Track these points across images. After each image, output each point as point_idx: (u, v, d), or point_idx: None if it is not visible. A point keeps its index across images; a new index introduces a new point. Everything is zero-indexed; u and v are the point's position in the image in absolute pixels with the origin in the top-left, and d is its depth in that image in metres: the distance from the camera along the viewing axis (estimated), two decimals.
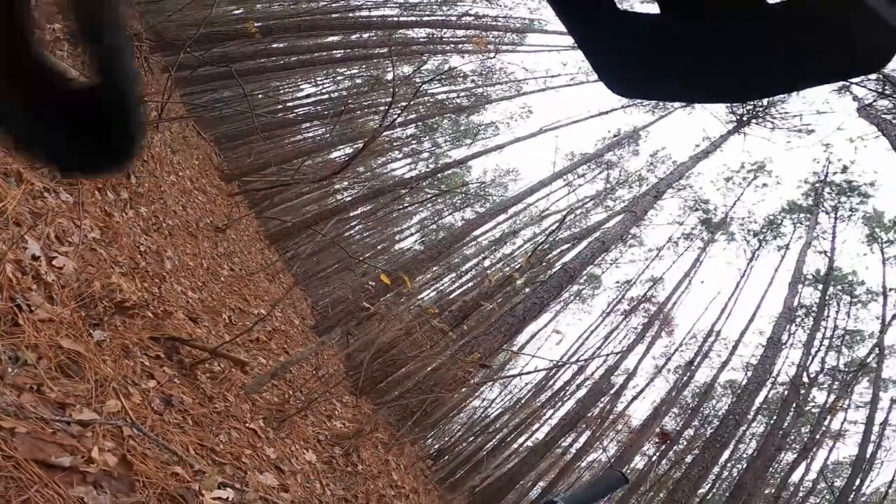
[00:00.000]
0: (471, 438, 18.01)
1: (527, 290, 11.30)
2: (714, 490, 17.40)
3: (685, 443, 18.63)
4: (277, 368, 3.68)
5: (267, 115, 16.50)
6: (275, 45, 12.98)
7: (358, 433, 4.10)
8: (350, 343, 8.47)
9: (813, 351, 13.44)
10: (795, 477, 13.71)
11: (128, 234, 3.65)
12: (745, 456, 18.09)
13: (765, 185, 19.13)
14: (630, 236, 20.58)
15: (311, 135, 19.39)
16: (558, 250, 14.91)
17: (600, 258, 19.63)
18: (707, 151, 15.86)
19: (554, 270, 10.50)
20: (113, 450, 1.60)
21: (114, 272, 2.96)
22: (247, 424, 3.08)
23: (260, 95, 17.02)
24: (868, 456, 11.61)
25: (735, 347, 17.73)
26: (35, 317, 1.93)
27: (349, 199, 16.69)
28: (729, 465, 18.03)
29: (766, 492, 12.91)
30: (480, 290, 10.86)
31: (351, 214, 17.70)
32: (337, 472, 3.62)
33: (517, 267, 9.85)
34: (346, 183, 20.66)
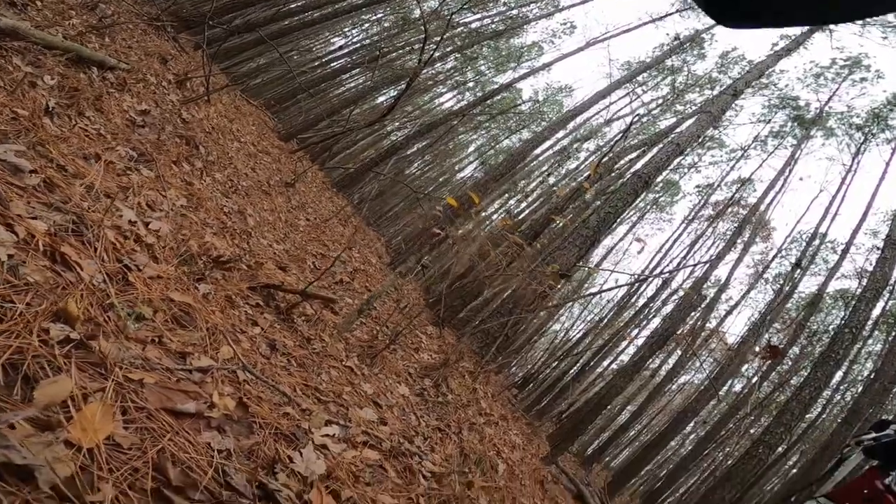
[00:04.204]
0: (554, 364, 18.22)
1: (597, 202, 10.87)
2: (824, 415, 16.64)
3: (790, 362, 17.68)
4: (363, 305, 3.83)
5: (306, 72, 16.69)
6: (293, 5, 12.82)
7: (444, 364, 4.24)
8: (426, 275, 8.67)
9: None
10: None
11: (210, 198, 3.89)
12: (860, 378, 16.91)
13: (863, 79, 16.81)
14: (707, 138, 19.00)
15: (353, 84, 19.42)
16: (628, 158, 14.07)
17: (676, 162, 18.38)
18: (788, 49, 14.06)
19: (626, 178, 9.95)
20: (231, 394, 1.72)
21: (206, 232, 3.15)
22: (343, 363, 3.26)
23: (295, 55, 17.20)
24: None
25: (845, 251, 15.96)
26: (143, 275, 2.06)
27: (403, 137, 16.61)
28: (842, 387, 17.03)
29: (884, 417, 12.18)
30: (549, 207, 10.58)
31: (408, 152, 17.75)
32: (429, 403, 3.78)
33: (585, 178, 9.41)
34: (397, 124, 20.62)
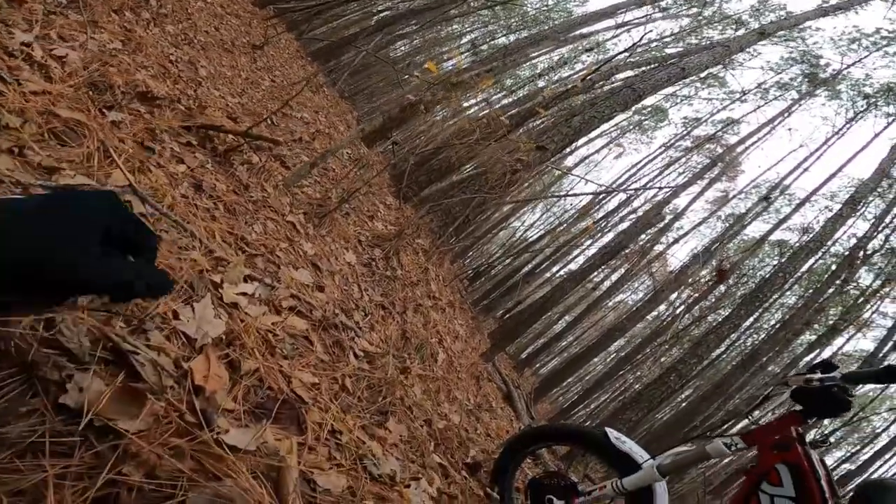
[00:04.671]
0: (507, 262, 18.42)
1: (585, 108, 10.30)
2: (724, 356, 17.63)
3: (713, 299, 18.51)
4: (317, 158, 3.34)
5: None
6: None
7: (399, 235, 3.89)
8: (395, 151, 8.10)
9: (881, 227, 12.34)
10: (808, 358, 13.50)
11: (154, 45, 3.31)
12: (765, 327, 17.89)
13: None
14: (711, 74, 18.22)
15: None
16: (627, 73, 13.29)
17: (673, 89, 17.73)
18: (838, 7, 13.03)
19: (620, 88, 9.35)
20: None
21: (139, 73, 2.57)
22: (285, 217, 2.84)
23: None
24: (881, 356, 11.16)
25: (800, 205, 16.40)
26: (23, 89, 1.61)
27: (391, 15, 14.94)
28: (746, 332, 18.02)
29: (773, 370, 12.94)
30: (535, 103, 9.95)
31: (395, 33, 16.11)
32: (376, 276, 3.47)
33: (578, 82, 8.82)
34: (388, 3, 18.56)
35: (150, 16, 3.66)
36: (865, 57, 16.43)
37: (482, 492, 2.13)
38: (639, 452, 1.92)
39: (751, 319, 12.28)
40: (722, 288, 18.27)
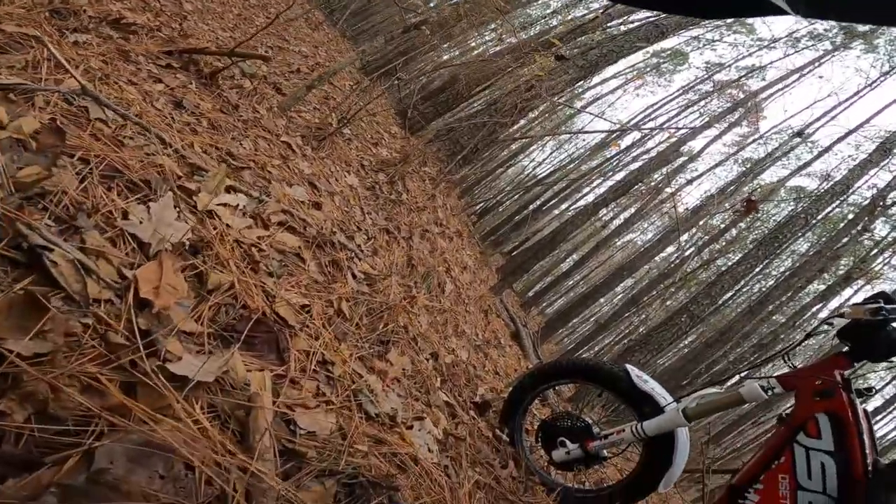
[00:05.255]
0: (515, 197, 18.04)
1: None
2: (731, 301, 17.42)
3: (724, 243, 18.19)
4: (314, 80, 3.03)
5: None
6: None
7: (405, 160, 3.62)
8: (399, 87, 7.63)
9: None
10: (815, 309, 13.24)
11: None
12: (774, 273, 17.61)
13: None
14: (739, 21, 17.01)
15: None
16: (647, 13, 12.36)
17: (702, 27, 16.68)
18: None
19: (641, 24, 8.69)
20: (45, 117, 1.05)
21: (113, 4, 2.24)
22: (279, 137, 2.58)
23: None
24: None
25: (823, 152, 15.73)
26: None
27: None
28: (756, 278, 17.76)
29: (777, 318, 12.73)
30: (550, 35, 9.31)
31: None
32: (380, 199, 3.23)
33: (593, 17, 8.19)
34: None
35: None
36: None
37: (491, 433, 1.98)
38: (661, 394, 1.75)
39: (766, 262, 11.98)
40: (734, 231, 17.92)
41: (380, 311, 1.76)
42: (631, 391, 1.76)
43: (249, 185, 1.77)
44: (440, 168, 5.28)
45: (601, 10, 7.94)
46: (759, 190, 16.53)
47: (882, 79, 16.05)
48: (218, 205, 1.42)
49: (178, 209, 1.08)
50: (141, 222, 0.94)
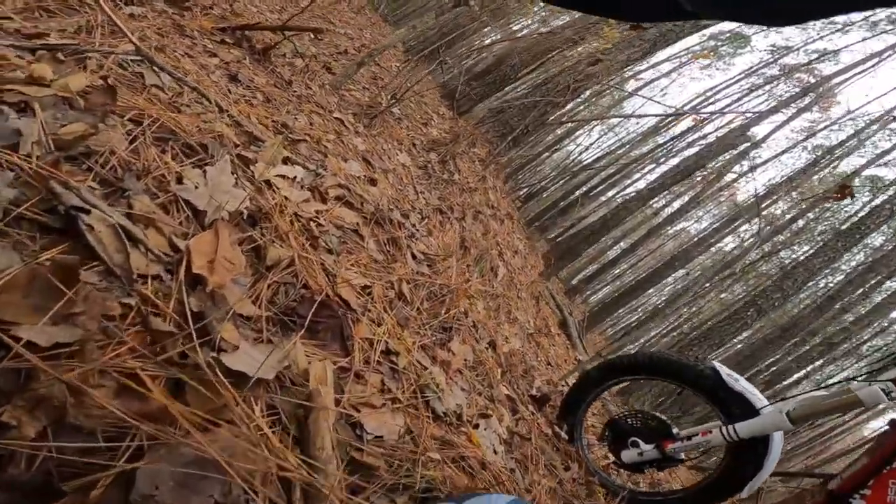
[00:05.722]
0: (561, 182, 17.55)
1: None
2: (795, 296, 16.44)
3: (789, 234, 17.17)
4: (365, 57, 2.91)
5: None
6: None
7: (455, 140, 3.48)
8: (444, 70, 7.42)
9: None
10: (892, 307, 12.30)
11: None
12: (844, 267, 16.49)
13: None
14: None
15: None
16: None
17: None
18: None
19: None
20: (97, 79, 0.95)
21: None
22: (332, 113, 2.48)
23: None
24: None
25: None
26: None
27: None
28: (824, 273, 16.69)
29: (846, 317, 11.94)
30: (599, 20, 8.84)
31: None
32: (432, 179, 3.10)
33: None
34: None
35: None
36: None
37: (550, 430, 1.84)
38: (755, 394, 1.57)
39: (847, 255, 11.20)
40: (800, 223, 16.93)
41: (441, 295, 1.63)
42: (720, 390, 1.58)
43: (306, 158, 1.67)
44: (489, 150, 5.10)
45: None
46: (836, 179, 15.44)
47: None
48: (276, 175, 1.32)
49: (235, 176, 0.97)
50: (196, 187, 0.84)
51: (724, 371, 1.59)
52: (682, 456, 1.69)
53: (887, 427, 1.41)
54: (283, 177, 1.37)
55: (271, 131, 1.65)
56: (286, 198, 1.23)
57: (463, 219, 3.14)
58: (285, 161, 1.47)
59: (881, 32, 16.63)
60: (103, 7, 1.28)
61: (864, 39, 16.96)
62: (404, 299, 1.47)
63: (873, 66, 16.43)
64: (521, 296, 3.82)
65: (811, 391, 1.52)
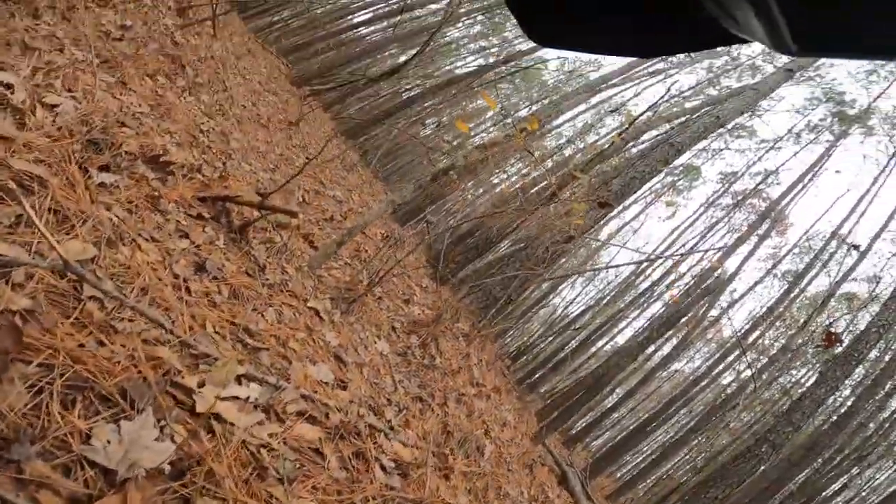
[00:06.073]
0: (550, 339, 17.61)
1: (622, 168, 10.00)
2: (809, 417, 15.86)
3: (784, 361, 17.07)
4: (343, 235, 3.03)
5: (328, 24, 15.94)
6: None
7: (437, 320, 3.47)
8: (429, 230, 7.85)
9: None
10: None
11: (186, 113, 3.14)
12: (849, 383, 16.19)
13: None
14: (737, 125, 17.86)
15: (374, 37, 18.36)
16: (655, 132, 13.02)
17: (710, 137, 17.52)
18: None
19: (657, 143, 9.00)
20: (23, 304, 0.92)
21: (161, 138, 2.36)
22: (306, 303, 2.48)
23: (319, 11, 16.33)
24: None
25: (864, 254, 15.09)
26: None
27: (418, 92, 15.58)
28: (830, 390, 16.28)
29: (870, 427, 11.50)
30: (568, 169, 9.68)
31: (423, 112, 16.70)
32: (412, 365, 3.02)
33: (610, 143, 8.51)
34: (418, 82, 19.54)
35: (185, 83, 3.56)
36: (888, 88, 15.97)
37: None
38: None
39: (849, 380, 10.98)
40: (793, 347, 16.89)
41: None
42: None
43: (266, 370, 1.61)
44: (473, 323, 5.13)
45: (617, 134, 8.28)
46: (835, 322, 15.84)
47: (893, 161, 16.11)
48: (225, 398, 1.25)
49: (163, 422, 0.90)
50: (107, 445, 0.76)
51: None
52: None
53: None
54: (234, 398, 1.30)
55: (229, 341, 1.60)
56: (232, 424, 1.15)
57: (445, 404, 3.01)
58: (239, 379, 1.41)
59: (807, 143, 18.40)
60: (29, 214, 1.30)
61: (795, 154, 18.63)
62: None
63: (810, 179, 17.81)
64: (511, 468, 3.53)
65: None
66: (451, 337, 4.30)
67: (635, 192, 7.94)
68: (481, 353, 5.12)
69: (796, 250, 18.99)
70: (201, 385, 1.21)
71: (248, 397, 1.36)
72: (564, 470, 6.46)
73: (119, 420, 0.84)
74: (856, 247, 14.08)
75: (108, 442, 0.77)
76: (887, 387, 10.48)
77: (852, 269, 15.84)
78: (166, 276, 1.56)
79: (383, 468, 1.59)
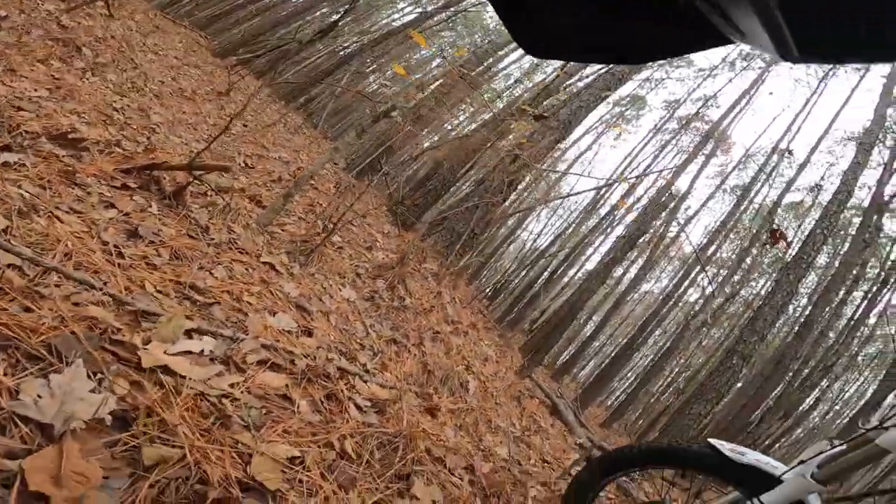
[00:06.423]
0: (523, 273, 17.95)
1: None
2: (773, 329, 16.73)
3: (742, 273, 17.89)
4: (291, 188, 2.91)
5: None
6: None
7: (402, 261, 3.44)
8: (386, 181, 7.71)
9: (892, 171, 11.88)
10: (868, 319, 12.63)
11: (92, 94, 2.93)
12: (804, 290, 17.18)
13: None
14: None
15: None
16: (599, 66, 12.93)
17: (645, 75, 17.78)
18: None
19: (598, 76, 8.97)
20: None
21: (67, 118, 2.19)
22: (259, 258, 2.39)
23: None
24: None
25: (802, 166, 16.20)
26: None
27: (357, 47, 14.89)
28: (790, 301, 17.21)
29: (830, 337, 12.21)
30: (518, 105, 9.59)
31: (364, 61, 16.00)
32: (382, 309, 3.00)
33: (555, 77, 8.44)
34: (354, 38, 18.67)
35: (85, 65, 3.33)
36: None
37: None
38: (770, 462, 1.42)
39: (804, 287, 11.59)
40: (748, 260, 17.67)
41: (393, 441, 1.47)
42: (725, 467, 1.44)
43: (220, 324, 1.55)
44: (441, 262, 5.10)
45: (560, 68, 8.20)
46: (775, 220, 16.61)
47: (823, 84, 16.77)
48: (175, 354, 1.20)
49: (100, 376, 0.85)
50: (38, 400, 0.71)
51: (725, 447, 1.46)
52: None
53: None
54: (186, 353, 1.25)
55: (175, 299, 1.53)
56: (184, 378, 1.10)
57: (421, 344, 3.02)
58: (190, 334, 1.35)
59: (742, 70, 18.86)
60: None
61: (730, 80, 19.10)
62: (348, 457, 1.31)
63: (748, 101, 18.36)
64: (499, 401, 3.61)
65: (829, 449, 1.37)
66: (420, 278, 4.28)
67: (582, 120, 7.93)
68: (454, 291, 5.13)
69: (741, 166, 19.72)
70: (147, 342, 1.15)
71: (202, 350, 1.31)
72: (555, 401, 6.67)
73: (48, 374, 0.78)
74: (789, 151, 14.70)
75: (39, 396, 0.72)
76: (840, 293, 11.04)
77: (793, 180, 16.62)
78: (94, 244, 1.48)
79: (358, 407, 1.58)
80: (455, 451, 1.86)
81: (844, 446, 1.31)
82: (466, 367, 3.50)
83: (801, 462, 1.35)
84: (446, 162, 5.81)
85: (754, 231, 16.73)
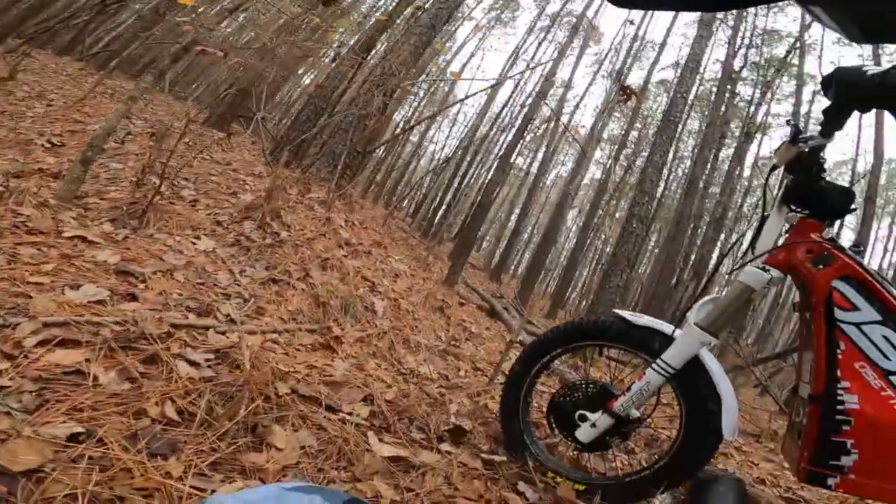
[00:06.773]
0: (435, 184, 17.86)
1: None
2: (667, 191, 17.97)
3: (632, 146, 18.84)
4: (87, 150, 2.42)
5: None
6: None
7: (269, 196, 3.07)
8: (269, 128, 7.04)
9: (736, 47, 12.72)
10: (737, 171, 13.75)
11: None
12: (686, 154, 18.50)
13: None
14: None
15: None
16: None
17: None
18: None
19: None
20: None
21: None
22: (62, 234, 1.98)
23: None
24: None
25: (662, 46, 17.85)
26: None
27: None
28: (673, 164, 18.47)
29: (713, 191, 13.06)
30: (377, 20, 8.97)
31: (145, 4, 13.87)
32: (252, 251, 2.66)
33: None
34: None
35: None
36: None
37: (480, 458, 1.48)
38: (662, 324, 1.43)
39: (673, 144, 12.32)
40: (635, 133, 18.60)
41: (237, 391, 1.22)
42: (631, 332, 1.44)
43: None
44: (328, 188, 4.72)
45: None
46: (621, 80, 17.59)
47: None
48: None
49: None
50: None
51: (627, 315, 1.46)
52: (637, 413, 1.41)
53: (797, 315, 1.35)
54: None
55: None
56: None
57: (307, 276, 2.73)
58: None
59: None
60: None
61: None
62: (172, 422, 1.05)
63: None
64: (417, 316, 3.45)
65: (703, 298, 1.39)
66: (305, 209, 3.92)
67: (445, 23, 7.46)
68: (351, 214, 4.80)
69: (612, 54, 20.32)
70: None
71: None
72: (490, 302, 6.70)
73: None
74: (631, 22, 15.76)
75: None
76: (713, 150, 11.79)
77: (657, 60, 18.09)
78: None
79: (193, 363, 1.31)
80: (346, 384, 1.65)
81: (719, 294, 1.33)
82: (371, 287, 3.28)
83: (683, 318, 1.37)
84: (270, 75, 5.23)
85: (632, 107, 17.58)
